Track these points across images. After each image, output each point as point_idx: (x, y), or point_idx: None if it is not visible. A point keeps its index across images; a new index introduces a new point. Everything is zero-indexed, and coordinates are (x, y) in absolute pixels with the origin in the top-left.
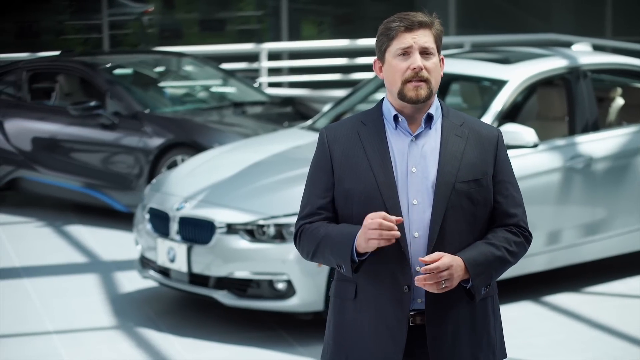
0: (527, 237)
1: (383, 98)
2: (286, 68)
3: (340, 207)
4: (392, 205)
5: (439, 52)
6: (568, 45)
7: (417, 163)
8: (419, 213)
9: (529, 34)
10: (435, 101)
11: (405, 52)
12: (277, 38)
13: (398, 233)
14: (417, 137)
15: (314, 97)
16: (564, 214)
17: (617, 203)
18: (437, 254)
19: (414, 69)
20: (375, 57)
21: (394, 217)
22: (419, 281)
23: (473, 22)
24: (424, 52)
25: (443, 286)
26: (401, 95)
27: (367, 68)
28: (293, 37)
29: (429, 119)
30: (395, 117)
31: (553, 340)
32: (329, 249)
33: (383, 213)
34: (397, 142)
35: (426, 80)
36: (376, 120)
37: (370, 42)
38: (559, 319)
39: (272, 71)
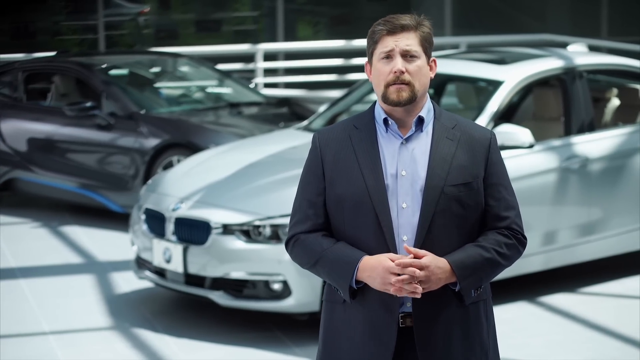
0: (521, 240)
1: (375, 101)
2: (282, 69)
3: (332, 213)
4: (381, 210)
5: (427, 55)
6: (563, 45)
7: (406, 166)
8: (408, 217)
9: (524, 34)
10: (428, 103)
11: (388, 56)
12: (273, 39)
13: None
14: (407, 140)
15: (309, 97)
16: (560, 215)
17: (613, 203)
18: (423, 251)
19: (395, 72)
20: (366, 60)
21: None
22: (394, 289)
23: (469, 23)
24: (407, 55)
25: (419, 289)
26: (384, 98)
27: (363, 69)
28: (289, 37)
29: (420, 121)
30: (385, 121)
31: (550, 341)
32: (327, 271)
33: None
34: (387, 145)
35: (408, 84)
36: (368, 124)
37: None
38: (556, 320)
39: (268, 72)
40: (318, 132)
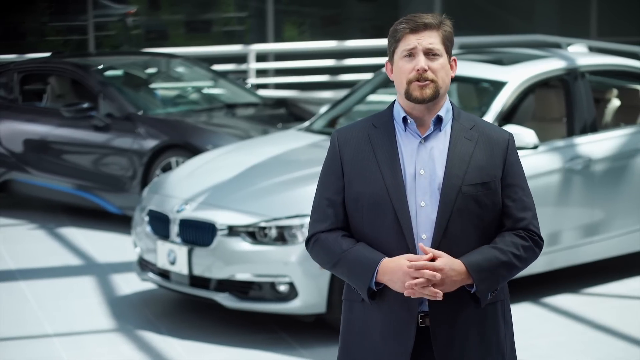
0: (537, 242)
1: (395, 100)
2: (272, 69)
3: (351, 212)
4: (400, 208)
5: (448, 53)
6: (555, 46)
7: (425, 165)
8: (426, 215)
9: (515, 35)
10: (447, 103)
11: (410, 54)
12: (262, 39)
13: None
14: (426, 139)
15: (302, 98)
16: (564, 215)
17: (616, 204)
18: (438, 252)
19: (418, 70)
20: (387, 59)
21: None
22: (408, 292)
23: (457, 23)
24: (429, 53)
25: (440, 293)
26: (407, 95)
27: (356, 69)
28: (279, 38)
29: (439, 121)
30: (404, 119)
31: (555, 342)
32: (346, 273)
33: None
34: (406, 144)
35: (432, 81)
36: (387, 123)
37: (359, 43)
38: (560, 320)
39: (259, 72)
40: (337, 131)
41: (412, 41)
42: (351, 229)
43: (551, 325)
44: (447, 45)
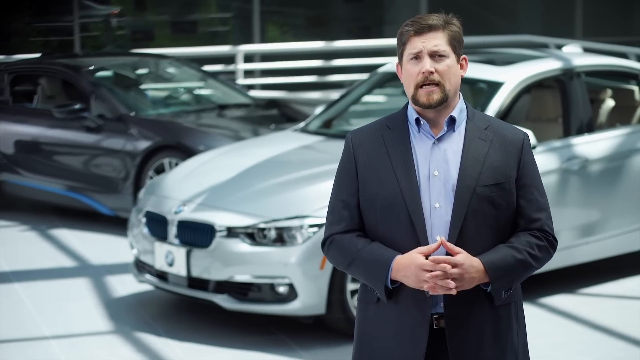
0: (552, 242)
1: (408, 101)
2: (258, 70)
3: (365, 213)
4: (414, 209)
5: (456, 53)
6: (543, 46)
7: (439, 166)
8: (440, 216)
9: (499, 35)
10: (460, 103)
11: (416, 57)
12: (249, 40)
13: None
14: (439, 140)
15: (290, 98)
16: (561, 216)
17: (612, 204)
18: (458, 248)
19: (423, 72)
20: (397, 61)
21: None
22: (428, 286)
23: None
24: (435, 55)
25: (452, 284)
26: (414, 100)
27: (343, 70)
28: (265, 39)
29: (452, 121)
30: (417, 121)
31: (554, 342)
32: (362, 272)
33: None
34: (420, 145)
35: (438, 84)
36: (401, 124)
37: (346, 43)
38: (559, 321)
39: (246, 73)
40: (351, 133)
41: (417, 44)
42: (366, 230)
43: (549, 325)
44: (455, 45)
